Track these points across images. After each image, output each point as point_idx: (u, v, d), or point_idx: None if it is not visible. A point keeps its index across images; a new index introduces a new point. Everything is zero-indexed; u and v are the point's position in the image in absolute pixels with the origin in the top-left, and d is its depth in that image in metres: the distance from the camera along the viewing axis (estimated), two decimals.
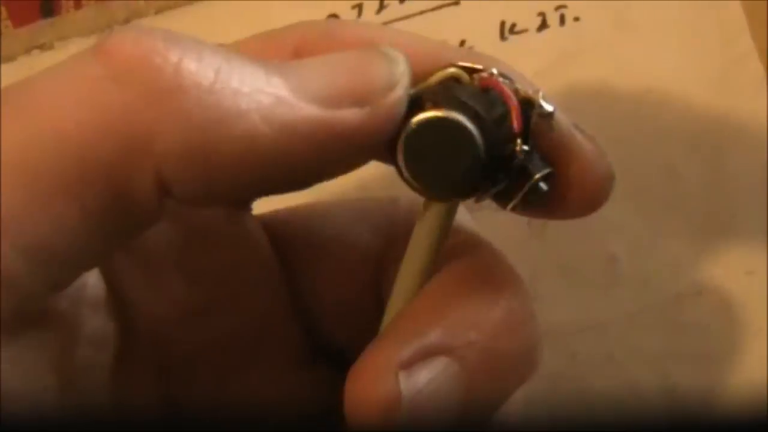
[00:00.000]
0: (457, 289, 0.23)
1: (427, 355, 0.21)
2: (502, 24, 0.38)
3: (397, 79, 0.21)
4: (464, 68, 0.22)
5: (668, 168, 0.34)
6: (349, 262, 0.26)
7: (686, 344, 0.32)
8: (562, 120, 0.22)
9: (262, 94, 0.20)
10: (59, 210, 0.19)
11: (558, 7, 0.37)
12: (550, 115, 0.22)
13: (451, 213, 0.23)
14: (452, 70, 0.22)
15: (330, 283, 0.26)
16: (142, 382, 0.24)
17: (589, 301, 0.33)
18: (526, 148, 0.21)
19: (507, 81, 0.22)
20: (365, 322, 0.25)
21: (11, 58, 0.45)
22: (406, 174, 0.22)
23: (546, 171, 0.22)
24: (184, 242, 0.25)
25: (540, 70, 0.37)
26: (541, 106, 0.21)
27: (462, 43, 0.38)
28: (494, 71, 0.22)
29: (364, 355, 0.22)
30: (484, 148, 0.21)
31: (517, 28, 0.38)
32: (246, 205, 0.26)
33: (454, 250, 0.24)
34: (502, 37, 0.38)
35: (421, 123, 0.21)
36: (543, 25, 0.38)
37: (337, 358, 0.27)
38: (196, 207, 0.24)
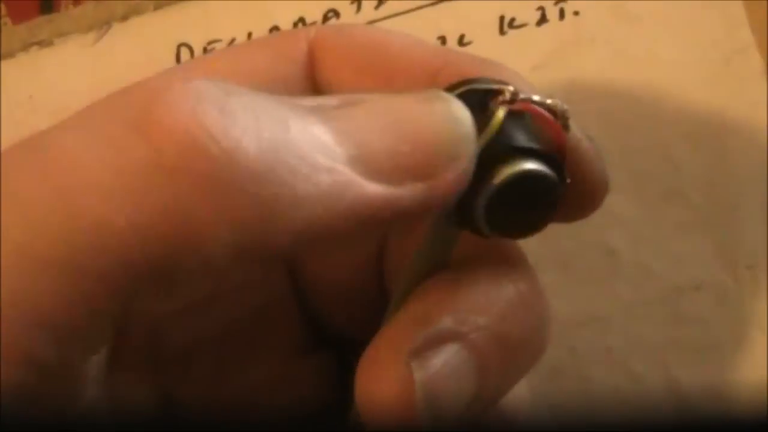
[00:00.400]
0: (464, 273, 0.23)
1: (437, 342, 0.21)
2: (502, 18, 0.38)
3: (462, 149, 0.20)
4: (485, 81, 0.22)
5: (668, 160, 0.34)
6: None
7: (686, 337, 0.32)
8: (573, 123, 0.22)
9: (322, 173, 0.18)
10: (99, 307, 0.18)
11: (557, 1, 0.37)
12: (567, 117, 0.22)
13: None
14: (472, 81, 0.22)
15: (330, 266, 0.26)
16: (138, 379, 0.24)
17: (589, 294, 0.33)
18: None
19: (528, 98, 0.21)
20: (367, 306, 0.25)
21: (10, 55, 0.45)
22: (486, 231, 0.21)
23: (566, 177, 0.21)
24: None
25: (539, 64, 0.36)
26: (567, 119, 0.21)
27: (461, 37, 0.38)
28: (529, 96, 0.21)
29: (374, 344, 0.22)
30: (560, 181, 0.21)
31: (516, 23, 0.38)
32: None
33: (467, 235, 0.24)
34: (502, 31, 0.38)
35: (502, 185, 0.20)
36: (542, 20, 0.37)
37: (338, 343, 0.26)
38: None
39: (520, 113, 0.21)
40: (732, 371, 0.31)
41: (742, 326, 0.32)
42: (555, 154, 0.21)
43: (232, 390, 0.25)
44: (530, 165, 0.20)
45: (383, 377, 0.21)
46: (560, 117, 0.21)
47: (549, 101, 0.21)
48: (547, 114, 0.21)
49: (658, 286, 0.32)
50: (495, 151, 0.20)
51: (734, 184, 0.33)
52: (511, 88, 0.21)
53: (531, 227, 0.22)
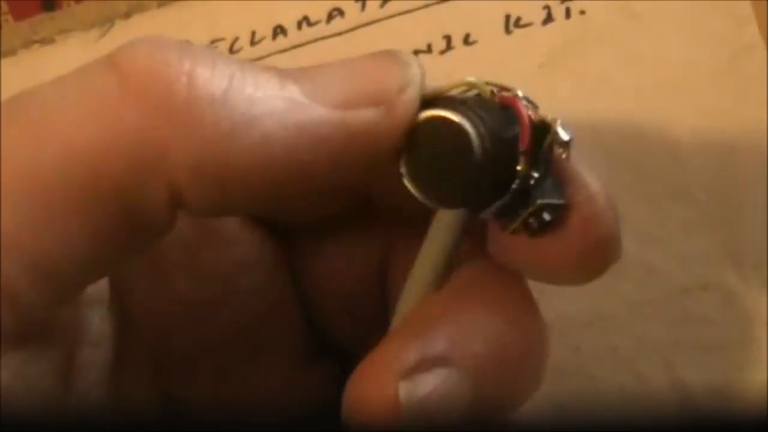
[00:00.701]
0: (466, 296, 0.23)
1: (430, 364, 0.21)
2: (507, 17, 0.38)
3: (410, 80, 0.21)
4: (489, 84, 0.22)
5: (674, 159, 0.33)
6: (353, 256, 0.26)
7: (692, 337, 0.31)
8: (576, 168, 0.22)
9: (276, 99, 0.20)
10: (67, 228, 0.19)
11: (563, 0, 0.37)
12: (566, 143, 0.21)
13: (464, 219, 0.23)
14: (473, 80, 0.22)
15: (334, 278, 0.26)
16: (140, 379, 0.24)
17: (594, 293, 0.32)
18: (535, 174, 0.21)
19: (528, 104, 0.21)
20: (369, 318, 0.25)
21: (11, 53, 0.45)
22: (407, 178, 0.21)
23: (554, 201, 0.21)
24: (189, 238, 0.24)
25: (545, 63, 0.36)
26: (557, 133, 0.21)
27: (466, 36, 0.38)
28: (519, 93, 0.21)
29: (367, 359, 0.21)
30: (484, 157, 0.20)
31: (522, 22, 0.38)
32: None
33: (467, 254, 0.24)
34: (507, 30, 0.38)
35: (422, 121, 0.21)
36: (548, 19, 0.37)
37: (342, 353, 0.26)
38: (208, 217, 0.24)
39: (505, 106, 0.21)
40: (738, 371, 0.31)
41: (749, 326, 0.31)
42: (500, 137, 0.21)
43: (234, 394, 0.25)
44: (455, 116, 0.21)
45: (370, 396, 0.21)
46: (550, 132, 0.21)
47: (541, 114, 0.21)
48: (525, 112, 0.21)
49: (664, 285, 0.32)
50: (442, 100, 0.21)
51: (741, 183, 0.33)
52: (519, 92, 0.22)
53: (448, 193, 0.21)
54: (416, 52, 0.38)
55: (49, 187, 0.19)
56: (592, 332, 0.32)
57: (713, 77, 0.34)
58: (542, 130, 0.21)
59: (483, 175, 0.20)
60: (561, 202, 0.21)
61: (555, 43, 0.37)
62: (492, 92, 0.22)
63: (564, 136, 0.21)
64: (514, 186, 0.21)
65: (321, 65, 0.21)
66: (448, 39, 0.38)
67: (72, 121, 0.19)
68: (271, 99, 0.20)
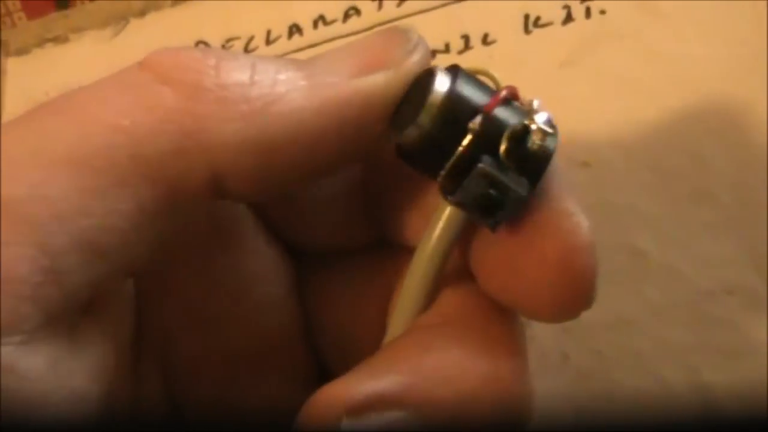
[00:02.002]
0: (441, 337, 0.22)
1: (382, 404, 0.20)
2: (527, 17, 0.38)
3: (414, 44, 0.23)
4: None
5: (697, 159, 0.33)
6: (362, 290, 0.26)
7: (716, 341, 0.31)
8: (568, 195, 0.21)
9: (298, 79, 0.21)
10: (115, 202, 0.19)
11: (583, 0, 0.37)
12: (547, 133, 0.21)
13: (454, 228, 0.22)
14: (496, 74, 0.22)
15: (341, 309, 0.26)
16: (149, 384, 0.24)
17: (616, 297, 0.32)
18: (504, 159, 0.21)
19: (532, 103, 0.21)
20: (373, 345, 0.25)
21: (25, 51, 0.45)
22: (390, 126, 0.22)
23: (511, 183, 0.21)
24: (208, 249, 0.24)
25: (565, 61, 0.36)
26: (536, 112, 0.21)
27: (485, 36, 0.38)
28: (535, 101, 0.22)
29: (324, 388, 0.21)
30: (443, 103, 0.21)
31: (541, 21, 0.37)
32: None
33: (458, 274, 0.23)
34: (527, 30, 0.38)
35: (414, 78, 0.22)
36: (568, 18, 0.37)
37: None
38: (246, 201, 0.24)
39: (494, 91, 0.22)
40: (762, 376, 0.30)
41: None
42: (468, 96, 0.21)
43: (233, 409, 0.25)
44: (436, 68, 0.22)
45: (314, 427, 0.20)
46: (530, 114, 0.21)
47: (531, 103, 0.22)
48: (504, 88, 0.21)
49: (687, 288, 0.32)
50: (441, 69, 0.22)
51: (765, 183, 0.32)
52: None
53: (407, 133, 0.21)
54: (434, 52, 0.38)
55: (96, 164, 0.19)
56: (614, 336, 0.32)
57: (735, 75, 0.34)
58: (521, 117, 0.21)
59: (436, 116, 0.21)
60: (521, 192, 0.21)
61: (575, 43, 0.36)
62: (497, 84, 0.22)
63: (543, 117, 0.21)
64: (464, 142, 0.21)
65: (330, 49, 0.23)
66: (466, 39, 0.38)
67: (115, 109, 0.20)
68: (292, 79, 0.21)
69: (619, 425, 0.31)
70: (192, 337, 0.25)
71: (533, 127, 0.21)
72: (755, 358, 0.31)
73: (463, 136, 0.21)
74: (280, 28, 0.41)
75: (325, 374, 0.26)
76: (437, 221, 0.22)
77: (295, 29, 0.40)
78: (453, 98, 0.21)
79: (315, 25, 0.40)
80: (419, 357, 0.21)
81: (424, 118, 0.21)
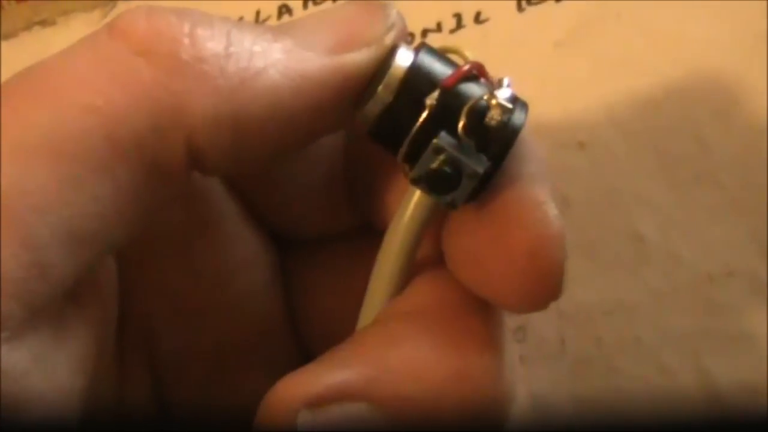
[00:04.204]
0: (410, 325, 0.21)
1: (344, 396, 0.20)
2: None
3: (392, 21, 0.22)
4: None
5: (698, 141, 0.32)
6: (347, 276, 0.25)
7: (718, 327, 0.30)
8: (540, 185, 0.21)
9: (274, 51, 0.21)
10: (94, 187, 0.19)
11: None
12: (506, 108, 0.20)
13: (425, 211, 0.22)
14: (469, 54, 0.22)
15: (325, 295, 0.26)
16: (133, 376, 0.24)
17: (616, 282, 0.31)
18: (463, 136, 0.20)
19: (481, 77, 0.21)
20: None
21: (12, 35, 0.45)
22: (357, 106, 0.22)
23: (465, 160, 0.20)
24: (190, 239, 0.24)
25: (560, 40, 0.35)
26: (493, 94, 0.21)
27: (477, 14, 0.37)
28: (505, 79, 0.21)
29: (279, 383, 0.20)
30: (404, 78, 0.21)
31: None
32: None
33: (430, 260, 0.23)
34: (519, 8, 0.37)
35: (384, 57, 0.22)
36: None
37: None
38: (222, 176, 0.24)
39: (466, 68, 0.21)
40: (766, 361, 0.30)
41: None
42: (430, 70, 0.21)
43: (221, 402, 0.25)
44: (402, 45, 0.22)
45: (272, 418, 0.20)
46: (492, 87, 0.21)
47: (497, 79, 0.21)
48: (469, 63, 0.21)
49: (689, 273, 0.31)
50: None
51: (767, 167, 0.31)
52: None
53: (368, 109, 0.21)
54: (425, 32, 0.37)
55: (73, 150, 0.19)
56: (614, 322, 0.31)
57: (738, 56, 0.33)
58: (486, 107, 0.21)
59: (396, 90, 0.21)
60: (477, 169, 0.20)
61: (571, 22, 0.36)
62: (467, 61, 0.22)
63: (506, 94, 0.21)
64: (420, 119, 0.21)
65: (307, 17, 0.22)
66: (458, 17, 0.37)
67: (88, 86, 0.19)
68: (269, 51, 0.21)
69: (619, 413, 0.30)
70: (176, 330, 0.24)
71: (492, 102, 0.20)
72: (758, 342, 0.30)
73: (419, 109, 0.21)
74: (270, 8, 0.40)
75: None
76: (407, 203, 0.22)
77: (285, 9, 0.40)
78: (413, 72, 0.21)
79: (305, 4, 0.40)
80: (385, 348, 0.21)
81: (384, 92, 0.21)
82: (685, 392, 0.30)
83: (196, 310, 0.24)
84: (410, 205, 0.22)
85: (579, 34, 0.35)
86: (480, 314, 0.22)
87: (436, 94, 0.21)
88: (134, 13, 0.20)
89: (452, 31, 0.37)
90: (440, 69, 0.21)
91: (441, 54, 0.22)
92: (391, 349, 0.21)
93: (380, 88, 0.21)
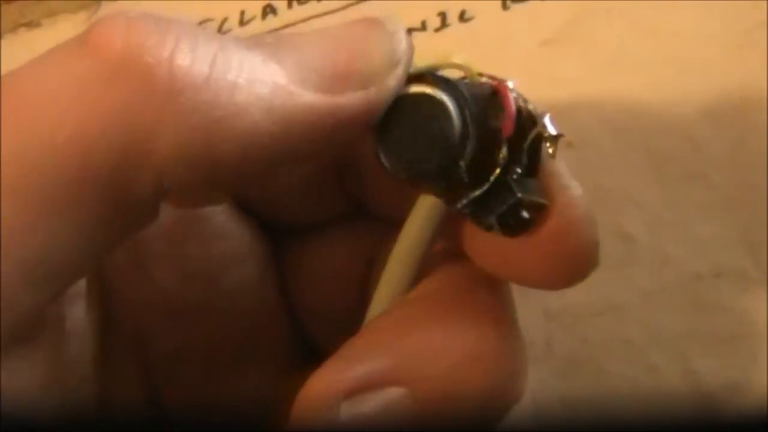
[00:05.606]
0: (427, 312, 0.21)
1: (376, 384, 0.20)
2: None
3: (399, 57, 0.20)
4: (481, 75, 0.21)
5: (688, 140, 0.32)
6: (341, 260, 0.25)
7: (707, 327, 0.30)
8: (559, 168, 0.21)
9: (260, 85, 0.19)
10: (58, 225, 0.18)
11: None
12: (554, 138, 0.20)
13: (439, 215, 0.22)
14: (460, 62, 0.21)
15: (321, 281, 0.25)
16: (127, 378, 0.24)
17: (604, 282, 0.31)
18: (518, 170, 0.20)
19: (518, 95, 0.21)
20: (357, 324, 0.24)
21: None
22: (382, 152, 0.20)
23: (535, 198, 0.20)
24: (178, 235, 0.24)
25: (548, 39, 0.35)
26: (545, 126, 0.20)
27: (462, 13, 0.37)
28: (509, 83, 0.21)
29: (312, 377, 0.20)
30: (464, 138, 0.20)
31: None
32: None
33: (444, 255, 0.23)
34: (504, 6, 0.37)
35: (406, 96, 0.20)
36: None
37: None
38: (194, 207, 0.23)
39: (493, 91, 0.21)
40: (755, 362, 0.30)
41: (766, 315, 0.30)
42: (483, 121, 0.20)
43: (218, 399, 0.25)
44: (439, 93, 0.20)
45: (311, 418, 0.19)
46: (537, 125, 0.20)
47: (531, 106, 0.21)
48: (512, 100, 0.20)
49: (678, 272, 0.31)
50: (429, 78, 0.20)
51: (758, 165, 0.31)
52: (510, 83, 0.21)
53: (421, 170, 0.20)
54: (410, 30, 0.37)
55: (38, 185, 0.18)
56: (601, 322, 0.31)
57: (727, 53, 0.33)
58: (529, 122, 0.20)
59: (459, 156, 0.20)
60: (543, 201, 0.20)
61: (559, 19, 0.35)
62: (480, 74, 0.21)
63: (552, 130, 0.20)
64: (493, 176, 0.20)
65: (304, 35, 0.20)
66: (443, 16, 0.37)
67: (54, 112, 0.18)
68: (255, 84, 0.19)
69: (607, 415, 0.30)
70: (168, 329, 0.24)
71: (545, 134, 0.20)
72: (747, 342, 0.30)
73: (491, 170, 0.20)
74: (255, 8, 0.40)
75: (314, 353, 0.26)
76: (420, 205, 0.22)
77: (269, 9, 0.40)
78: (475, 140, 0.20)
79: (290, 4, 0.39)
80: (404, 333, 0.21)
81: (444, 157, 0.20)
82: (674, 393, 0.30)
83: (188, 308, 0.24)
84: (423, 207, 0.22)
85: (567, 31, 0.35)
86: (491, 291, 0.22)
87: (504, 151, 0.20)
88: (113, 24, 0.19)
89: (437, 30, 0.37)
90: (488, 112, 0.20)
91: (474, 85, 0.21)
92: (411, 333, 0.21)
93: (441, 153, 0.20)
